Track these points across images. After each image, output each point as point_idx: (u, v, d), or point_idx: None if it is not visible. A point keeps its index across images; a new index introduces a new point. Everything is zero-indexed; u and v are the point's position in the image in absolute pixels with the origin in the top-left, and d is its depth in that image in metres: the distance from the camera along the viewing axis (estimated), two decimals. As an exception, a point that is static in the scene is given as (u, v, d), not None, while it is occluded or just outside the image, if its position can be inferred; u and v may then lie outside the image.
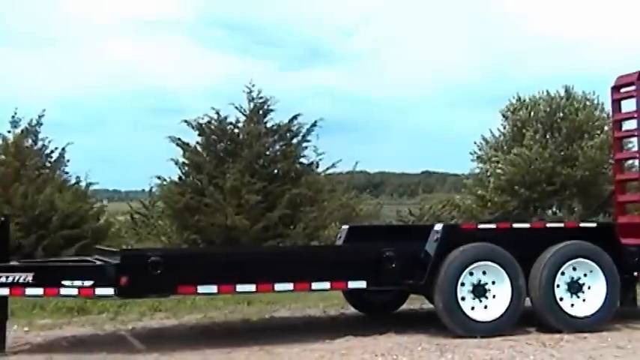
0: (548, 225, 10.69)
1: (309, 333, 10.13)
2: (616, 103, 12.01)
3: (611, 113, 12.39)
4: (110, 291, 8.99)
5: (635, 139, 11.90)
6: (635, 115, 11.52)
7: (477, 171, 20.52)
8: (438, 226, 9.99)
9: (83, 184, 17.86)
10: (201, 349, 9.27)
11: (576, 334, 9.78)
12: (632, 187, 12.37)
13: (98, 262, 9.48)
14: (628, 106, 11.81)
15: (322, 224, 17.78)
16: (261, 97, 18.05)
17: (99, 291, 9.01)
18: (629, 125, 11.86)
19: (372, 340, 9.69)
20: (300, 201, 17.61)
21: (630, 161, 13.08)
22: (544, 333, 9.92)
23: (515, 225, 10.77)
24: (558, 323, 9.99)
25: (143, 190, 24.45)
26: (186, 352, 9.11)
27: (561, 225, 10.87)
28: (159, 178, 18.15)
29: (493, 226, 10.61)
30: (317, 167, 18.77)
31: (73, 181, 18.00)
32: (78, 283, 8.96)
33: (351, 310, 11.89)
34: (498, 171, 19.34)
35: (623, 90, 11.80)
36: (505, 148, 19.69)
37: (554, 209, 19.19)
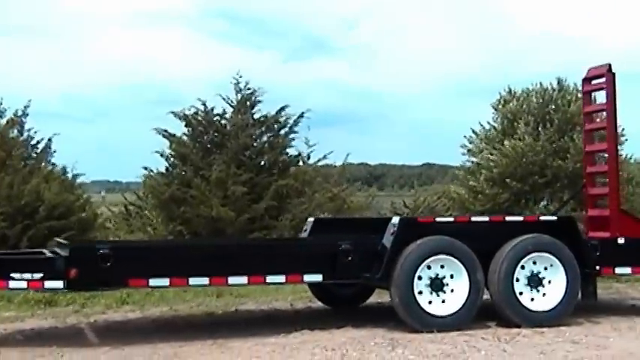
0: (508, 218, 10.55)
1: (270, 326, 10.07)
2: (587, 95, 11.88)
3: (582, 105, 12.23)
4: (59, 284, 8.97)
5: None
6: (605, 108, 11.38)
7: (469, 164, 20.26)
8: (395, 220, 9.93)
9: (70, 175, 17.81)
10: (154, 342, 9.23)
11: (534, 329, 9.70)
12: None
13: (48, 255, 9.45)
14: (599, 98, 11.70)
15: (310, 216, 17.63)
16: (249, 88, 17.94)
17: (48, 284, 9.00)
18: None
19: (328, 334, 9.61)
20: (286, 192, 17.50)
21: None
22: (502, 327, 9.84)
23: (473, 218, 10.71)
24: (517, 317, 9.91)
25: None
26: (137, 346, 9.08)
27: (521, 218, 10.74)
28: (145, 169, 18.11)
29: (451, 219, 10.54)
30: (308, 159, 18.64)
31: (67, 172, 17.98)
32: (27, 275, 8.95)
33: (319, 303, 11.82)
34: (491, 163, 19.12)
35: (594, 82, 11.66)
36: (497, 140, 19.45)
37: (545, 202, 18.96)
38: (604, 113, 11.73)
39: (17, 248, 14.74)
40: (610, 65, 11.25)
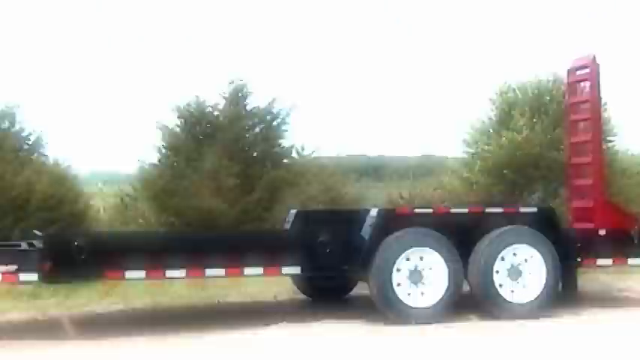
0: (487, 210, 10.45)
1: (249, 318, 10.02)
2: (571, 86, 11.78)
3: (566, 96, 12.13)
4: (34, 276, 8.92)
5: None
6: (589, 99, 11.29)
7: (463, 155, 20.14)
8: (374, 211, 9.88)
9: (63, 166, 17.75)
10: (131, 335, 9.17)
11: (513, 321, 9.63)
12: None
13: (23, 247, 9.39)
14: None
15: (303, 207, 17.53)
16: (240, 80, 17.88)
17: (23, 276, 8.96)
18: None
19: (305, 326, 9.62)
20: (279, 184, 17.43)
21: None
22: (482, 320, 9.79)
23: (452, 210, 10.63)
24: (497, 310, 9.86)
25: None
26: (114, 338, 9.04)
27: (500, 210, 10.63)
28: (138, 160, 18.03)
29: (430, 210, 10.43)
30: (302, 150, 18.55)
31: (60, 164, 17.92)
32: (1, 268, 8.90)
33: (302, 295, 11.74)
34: (487, 154, 19.01)
35: (578, 73, 11.56)
36: (492, 131, 19.32)
37: (539, 194, 18.84)
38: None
39: (9, 240, 14.69)
40: (594, 56, 11.17)
